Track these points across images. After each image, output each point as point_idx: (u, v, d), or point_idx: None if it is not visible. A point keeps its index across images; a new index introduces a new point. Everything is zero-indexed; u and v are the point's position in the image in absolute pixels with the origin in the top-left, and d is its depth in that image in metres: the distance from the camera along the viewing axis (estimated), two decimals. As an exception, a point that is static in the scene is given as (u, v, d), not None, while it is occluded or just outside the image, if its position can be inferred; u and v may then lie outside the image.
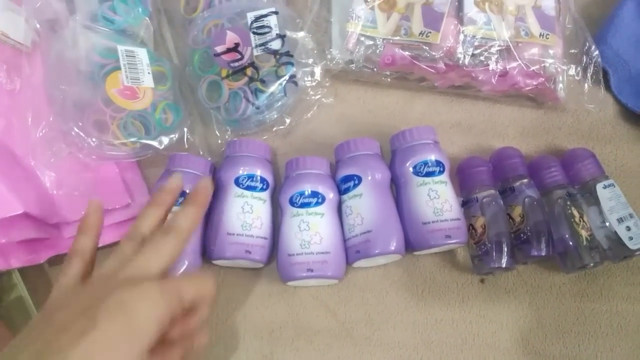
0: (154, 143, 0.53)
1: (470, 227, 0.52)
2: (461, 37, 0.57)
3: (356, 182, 0.52)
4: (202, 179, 0.42)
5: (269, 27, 0.57)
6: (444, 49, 0.56)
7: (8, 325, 0.48)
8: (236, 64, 0.56)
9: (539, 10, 0.59)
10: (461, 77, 0.58)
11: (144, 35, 0.57)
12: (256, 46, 0.56)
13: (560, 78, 0.58)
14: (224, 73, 0.56)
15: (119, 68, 0.52)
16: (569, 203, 0.51)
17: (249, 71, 0.55)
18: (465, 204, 0.53)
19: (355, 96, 0.61)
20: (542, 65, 0.57)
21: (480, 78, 0.57)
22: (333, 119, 0.60)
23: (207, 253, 0.51)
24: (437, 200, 0.50)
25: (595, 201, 0.52)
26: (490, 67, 0.56)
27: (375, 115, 0.60)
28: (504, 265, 0.49)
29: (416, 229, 0.50)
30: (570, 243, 0.50)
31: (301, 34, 0.57)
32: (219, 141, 0.56)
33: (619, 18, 0.63)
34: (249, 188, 0.51)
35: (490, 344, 0.52)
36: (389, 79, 0.59)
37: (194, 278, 0.38)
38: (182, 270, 0.48)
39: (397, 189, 0.54)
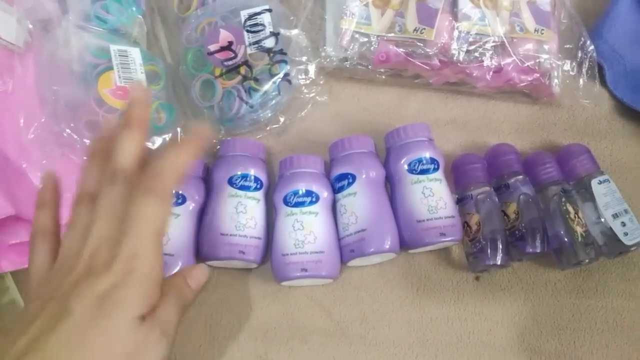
0: (147, 143, 0.53)
1: (465, 225, 0.52)
2: (456, 33, 0.56)
3: (350, 180, 0.51)
4: (200, 125, 0.37)
5: (263, 25, 0.56)
6: (439, 45, 0.56)
7: (1, 329, 0.48)
8: (230, 62, 0.55)
9: (533, 6, 0.59)
10: (456, 73, 0.58)
11: (137, 34, 0.56)
12: (250, 44, 0.56)
13: (555, 73, 0.58)
14: (217, 72, 0.55)
15: (111, 68, 0.52)
16: (564, 199, 0.51)
17: (243, 70, 0.55)
18: (460, 201, 0.53)
19: (350, 94, 0.61)
20: (537, 60, 0.57)
21: (474, 74, 0.57)
22: (327, 117, 0.60)
23: (200, 253, 0.50)
24: (431, 198, 0.50)
25: (590, 197, 0.52)
26: (485, 63, 0.56)
27: (370, 112, 0.60)
28: (499, 263, 0.49)
29: (411, 227, 0.50)
30: (566, 239, 0.50)
31: (295, 32, 0.57)
32: (213, 140, 0.56)
33: (615, 12, 0.63)
34: (242, 188, 0.51)
35: (485, 341, 0.51)
36: (383, 76, 0.59)
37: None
38: (175, 271, 0.48)
39: (391, 187, 0.54)
